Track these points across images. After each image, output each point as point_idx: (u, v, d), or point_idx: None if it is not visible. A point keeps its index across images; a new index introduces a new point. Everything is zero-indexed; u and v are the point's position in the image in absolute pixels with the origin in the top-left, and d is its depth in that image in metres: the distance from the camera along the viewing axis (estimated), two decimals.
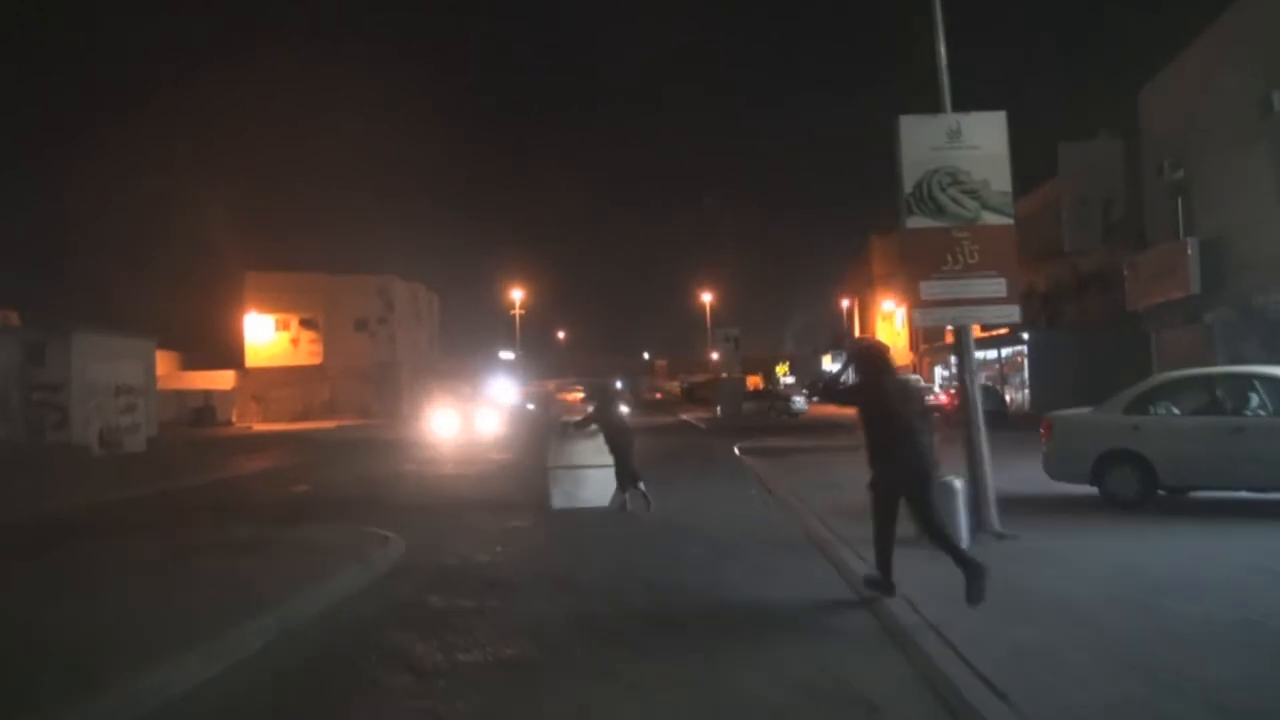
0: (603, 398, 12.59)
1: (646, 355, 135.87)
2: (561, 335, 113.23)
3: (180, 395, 47.08)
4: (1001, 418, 31.91)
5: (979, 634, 5.51)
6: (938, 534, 6.45)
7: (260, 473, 20.32)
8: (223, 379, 52.42)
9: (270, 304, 54.63)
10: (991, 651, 5.14)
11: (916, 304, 9.31)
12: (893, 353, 7.57)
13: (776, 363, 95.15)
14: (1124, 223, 29.49)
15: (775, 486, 14.33)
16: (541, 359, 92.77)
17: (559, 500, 11.83)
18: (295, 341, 55.29)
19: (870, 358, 6.99)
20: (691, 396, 76.53)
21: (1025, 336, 34.21)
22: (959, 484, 7.80)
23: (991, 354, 38.38)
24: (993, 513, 9.01)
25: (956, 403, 34.70)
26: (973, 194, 9.14)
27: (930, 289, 9.18)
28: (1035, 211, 41.77)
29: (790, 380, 76.23)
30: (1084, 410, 11.51)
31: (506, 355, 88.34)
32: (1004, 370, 37.29)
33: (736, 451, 21.62)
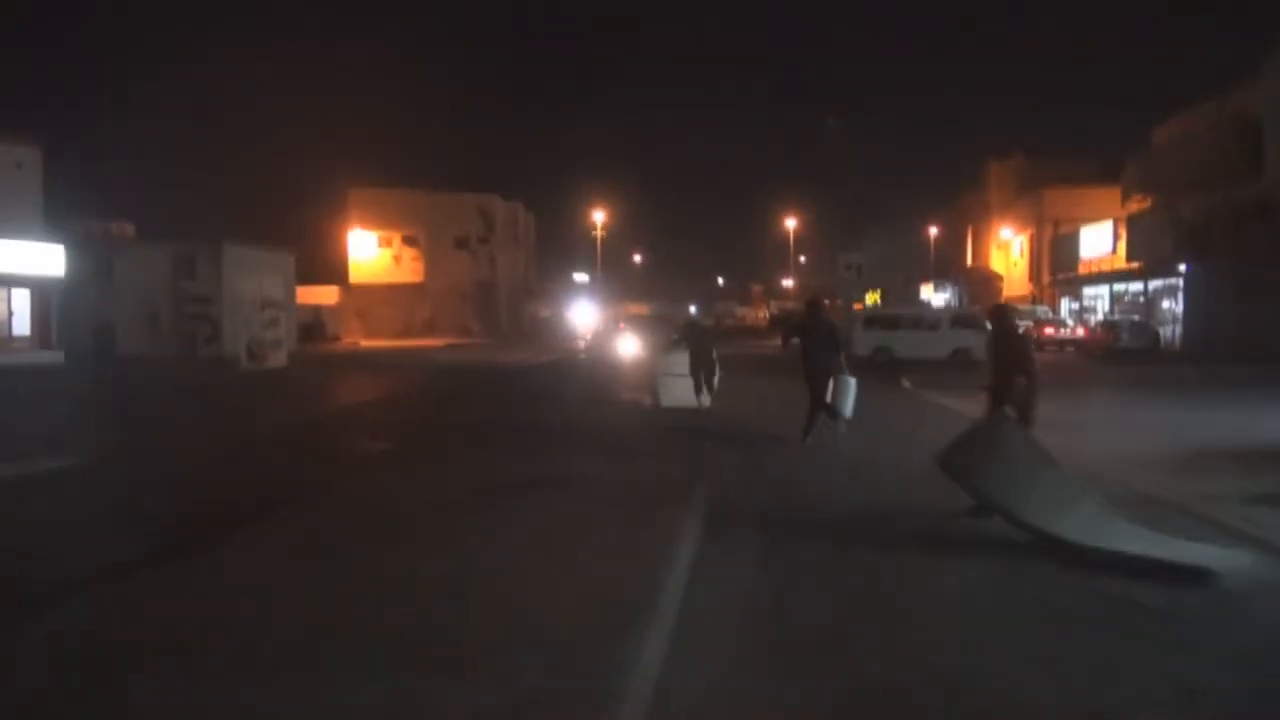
0: (689, 328, 16.89)
1: (721, 280, 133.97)
2: (638, 259, 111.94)
3: None
4: (1152, 354, 30.06)
5: None
6: (834, 407, 11.26)
7: (424, 391, 19.82)
8: (327, 294, 52.51)
9: (373, 221, 54.24)
10: None
11: None
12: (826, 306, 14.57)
13: (834, 291, 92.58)
14: None
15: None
16: (619, 282, 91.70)
17: (666, 400, 15.22)
18: (398, 258, 55.00)
19: (808, 309, 12.42)
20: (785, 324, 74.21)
21: (1181, 269, 32.03)
22: (852, 380, 11.50)
23: (1136, 286, 36.27)
24: None
25: (1093, 337, 32.43)
26: None
27: None
28: (1181, 136, 38.94)
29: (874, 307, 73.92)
30: None
31: (581, 278, 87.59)
32: (1150, 306, 35.11)
33: (907, 384, 20.39)
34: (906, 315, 30.54)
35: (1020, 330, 9.26)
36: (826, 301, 61.53)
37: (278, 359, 24.55)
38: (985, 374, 8.51)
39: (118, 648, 4.13)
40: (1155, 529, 6.34)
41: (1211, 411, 15.19)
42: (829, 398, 11.26)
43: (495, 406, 17.09)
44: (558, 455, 10.33)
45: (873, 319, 30.26)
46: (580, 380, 22.52)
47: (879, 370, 23.81)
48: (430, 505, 7.16)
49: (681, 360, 15.22)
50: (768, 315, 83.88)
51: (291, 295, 26.98)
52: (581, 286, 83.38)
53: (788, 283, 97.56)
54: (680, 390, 15.11)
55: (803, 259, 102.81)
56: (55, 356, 22.75)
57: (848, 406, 11.48)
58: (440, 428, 14.11)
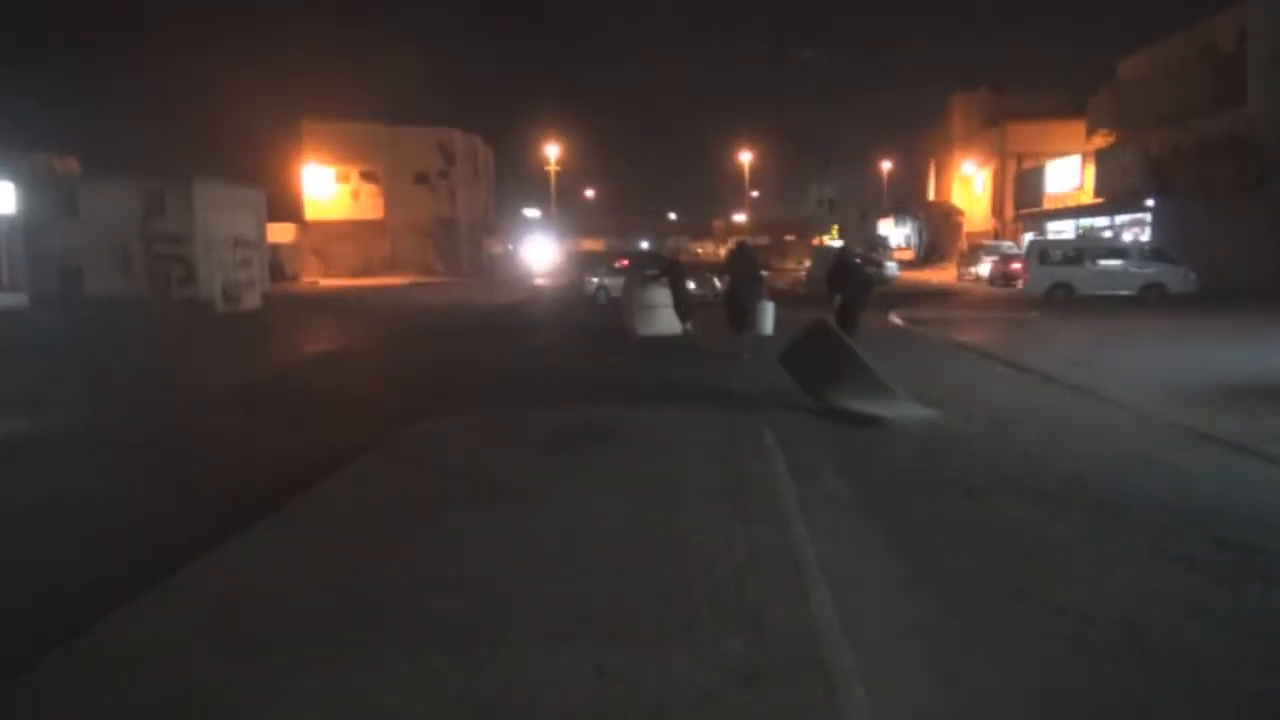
0: (670, 264, 17.77)
1: (673, 215, 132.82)
2: (590, 194, 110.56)
3: None
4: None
5: None
6: (756, 330, 13.69)
7: (417, 334, 19.34)
8: (282, 232, 50.79)
9: (330, 155, 52.24)
10: None
11: None
12: (753, 249, 17.37)
13: (796, 226, 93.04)
14: None
15: (1023, 361, 13.23)
16: (572, 217, 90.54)
17: (644, 330, 16.24)
18: (355, 195, 53.27)
19: (736, 248, 16.01)
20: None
21: (1149, 204, 32.38)
22: (770, 305, 14.21)
23: (1103, 221, 36.61)
24: None
25: None
26: None
27: None
28: (1148, 70, 39.14)
29: (839, 243, 74.00)
30: None
31: (531, 213, 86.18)
32: (1117, 240, 35.47)
33: (899, 322, 20.36)
34: (1091, 247, 27.93)
35: (856, 265, 13.04)
36: (789, 237, 61.49)
37: (252, 300, 23.72)
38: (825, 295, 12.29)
39: (264, 620, 3.89)
40: (890, 395, 9.32)
41: (1211, 346, 15.42)
42: (756, 324, 13.90)
43: (500, 348, 16.78)
44: (595, 400, 10.17)
45: (1048, 251, 27.20)
46: (563, 318, 22.47)
47: (1057, 306, 23.75)
48: (508, 460, 6.91)
49: (658, 293, 16.38)
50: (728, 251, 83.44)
51: (263, 234, 26.04)
52: (533, 222, 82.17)
53: (740, 217, 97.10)
54: (658, 320, 16.35)
55: (756, 194, 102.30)
56: (16, 299, 21.65)
57: (768, 326, 14.08)
58: (456, 373, 13.80)
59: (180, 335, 17.68)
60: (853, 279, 12.34)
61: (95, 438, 9.05)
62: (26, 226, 21.47)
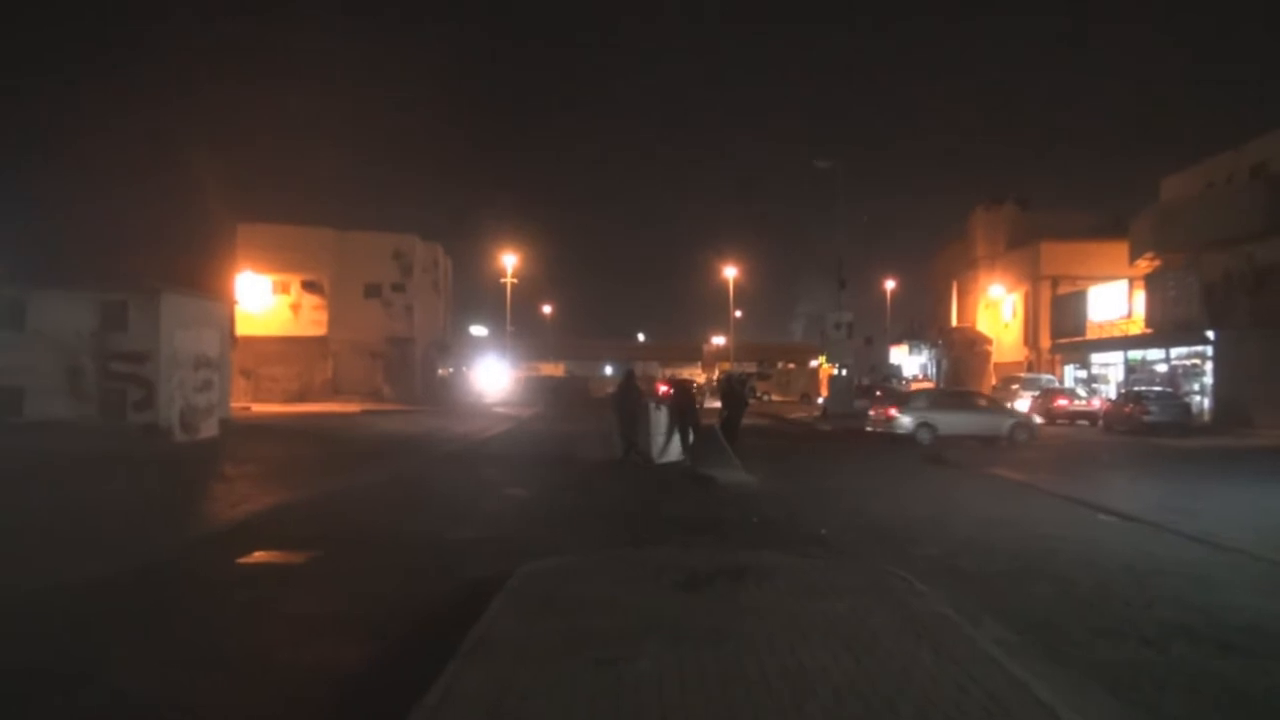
0: (626, 390, 22.53)
1: (641, 337, 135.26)
2: (548, 310, 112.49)
3: None
4: (1183, 428, 31.84)
5: None
6: (691, 439, 21.37)
7: (418, 467, 19.98)
8: None
9: (268, 263, 52.47)
10: None
11: None
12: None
13: (789, 351, 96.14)
14: None
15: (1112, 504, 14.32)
16: (526, 337, 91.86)
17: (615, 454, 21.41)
18: (296, 307, 53.73)
19: (677, 386, 26.43)
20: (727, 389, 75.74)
21: (1210, 336, 34.27)
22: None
23: (1155, 354, 38.52)
24: None
25: (1114, 409, 34.09)
26: None
27: None
28: (1196, 189, 41.81)
29: (843, 372, 75.80)
30: None
31: (479, 331, 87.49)
32: (1173, 375, 37.24)
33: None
34: None
35: (739, 389, 25.16)
36: (790, 365, 63.17)
37: (209, 428, 24.14)
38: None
39: None
40: (735, 469, 18.37)
41: None
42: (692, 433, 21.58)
43: (531, 483, 17.50)
44: (695, 539, 10.98)
45: None
46: (550, 444, 23.59)
47: None
48: (654, 600, 7.63)
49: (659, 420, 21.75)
50: (714, 379, 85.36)
51: (227, 352, 26.73)
52: (481, 341, 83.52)
53: (719, 340, 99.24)
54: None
55: (739, 314, 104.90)
56: None
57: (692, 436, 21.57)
58: (491, 506, 14.50)
59: (162, 467, 18.22)
60: (737, 400, 23.64)
61: (210, 574, 9.61)
62: None
